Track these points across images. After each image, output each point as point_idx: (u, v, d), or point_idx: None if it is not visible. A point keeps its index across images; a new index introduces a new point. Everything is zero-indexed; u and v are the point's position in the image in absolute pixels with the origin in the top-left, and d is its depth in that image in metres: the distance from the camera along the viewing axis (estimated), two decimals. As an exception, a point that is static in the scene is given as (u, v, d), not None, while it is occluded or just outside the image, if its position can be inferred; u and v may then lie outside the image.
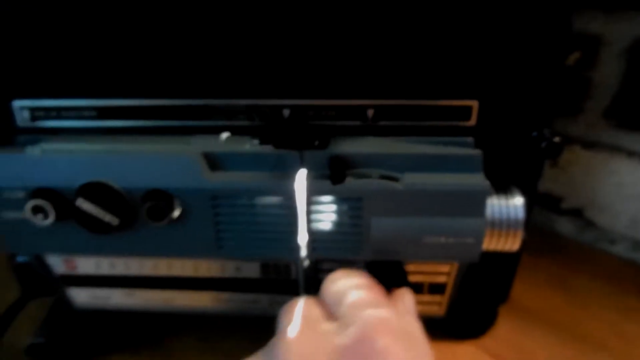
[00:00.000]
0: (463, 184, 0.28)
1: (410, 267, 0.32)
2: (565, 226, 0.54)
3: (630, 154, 0.47)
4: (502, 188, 0.31)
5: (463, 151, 0.29)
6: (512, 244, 0.30)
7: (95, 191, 0.29)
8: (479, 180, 0.29)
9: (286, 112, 0.31)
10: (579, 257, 0.49)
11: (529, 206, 0.31)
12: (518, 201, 0.30)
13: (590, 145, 0.50)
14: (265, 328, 0.38)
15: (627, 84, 0.46)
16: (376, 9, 0.29)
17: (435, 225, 0.29)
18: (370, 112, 0.31)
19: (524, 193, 0.31)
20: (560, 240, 0.53)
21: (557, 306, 0.42)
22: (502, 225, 0.29)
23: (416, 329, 0.23)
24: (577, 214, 0.53)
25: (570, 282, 0.45)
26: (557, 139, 0.28)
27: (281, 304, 0.35)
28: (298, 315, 0.23)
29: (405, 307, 0.28)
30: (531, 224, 0.55)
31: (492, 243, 0.30)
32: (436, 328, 0.27)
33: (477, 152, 0.29)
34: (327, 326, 0.22)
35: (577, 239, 0.53)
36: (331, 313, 0.24)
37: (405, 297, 0.29)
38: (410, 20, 0.29)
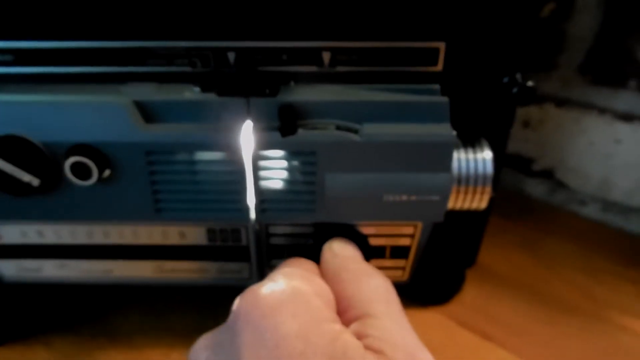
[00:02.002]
0: (427, 135, 0.26)
1: (370, 230, 0.30)
2: (535, 188, 0.52)
3: (602, 111, 0.45)
4: (470, 141, 0.28)
5: (427, 99, 0.26)
6: (480, 201, 0.28)
7: (11, 147, 0.25)
8: (444, 130, 0.26)
9: (231, 56, 0.27)
10: (550, 220, 0.48)
11: (499, 161, 0.28)
12: (487, 155, 0.27)
13: (562, 102, 0.48)
14: (214, 299, 0.35)
15: (603, 36, 0.44)
16: None
17: (397, 181, 0.26)
18: (326, 56, 0.27)
19: (494, 147, 0.28)
20: (531, 203, 0.51)
21: (526, 270, 0.41)
22: (469, 181, 0.27)
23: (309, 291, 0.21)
24: (547, 175, 0.51)
25: (540, 245, 0.44)
26: (530, 84, 0.26)
27: (231, 272, 0.32)
28: None
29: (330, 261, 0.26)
30: (501, 186, 0.53)
31: (458, 201, 0.27)
32: (399, 294, 0.25)
33: (443, 99, 0.26)
34: None
35: (547, 201, 0.51)
36: None
37: (329, 251, 0.26)
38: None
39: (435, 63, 0.27)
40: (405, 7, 0.26)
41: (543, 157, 0.50)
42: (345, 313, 0.22)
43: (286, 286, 0.21)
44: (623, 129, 0.45)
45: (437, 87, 0.27)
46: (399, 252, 0.31)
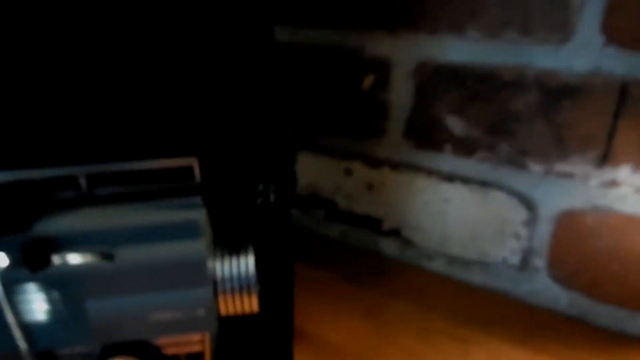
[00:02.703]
0: (179, 253, 0.26)
1: (161, 341, 0.29)
2: (389, 247, 0.54)
3: (430, 173, 0.48)
4: (234, 247, 0.29)
5: (180, 216, 0.27)
6: (250, 305, 0.28)
7: None
8: (197, 246, 0.26)
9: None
10: (399, 280, 0.49)
11: (268, 262, 0.29)
12: (249, 260, 0.28)
13: (396, 165, 0.50)
14: None
15: (416, 105, 0.47)
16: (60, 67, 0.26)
17: (159, 300, 0.27)
18: (83, 182, 0.28)
19: (263, 250, 0.29)
20: (385, 263, 0.53)
21: (363, 339, 0.41)
22: (234, 289, 0.28)
23: None
24: (396, 234, 0.53)
25: (384, 310, 0.45)
26: (272, 197, 0.27)
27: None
28: None
29: None
30: (357, 247, 0.55)
31: (228, 308, 0.28)
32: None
33: (195, 215, 0.27)
34: None
35: (400, 258, 0.53)
36: None
37: None
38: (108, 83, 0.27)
39: (191, 177, 0.28)
40: (153, 128, 0.27)
41: (389, 217, 0.52)
42: None
43: None
44: (449, 189, 0.47)
45: (198, 200, 0.28)
46: (196, 357, 0.31)
